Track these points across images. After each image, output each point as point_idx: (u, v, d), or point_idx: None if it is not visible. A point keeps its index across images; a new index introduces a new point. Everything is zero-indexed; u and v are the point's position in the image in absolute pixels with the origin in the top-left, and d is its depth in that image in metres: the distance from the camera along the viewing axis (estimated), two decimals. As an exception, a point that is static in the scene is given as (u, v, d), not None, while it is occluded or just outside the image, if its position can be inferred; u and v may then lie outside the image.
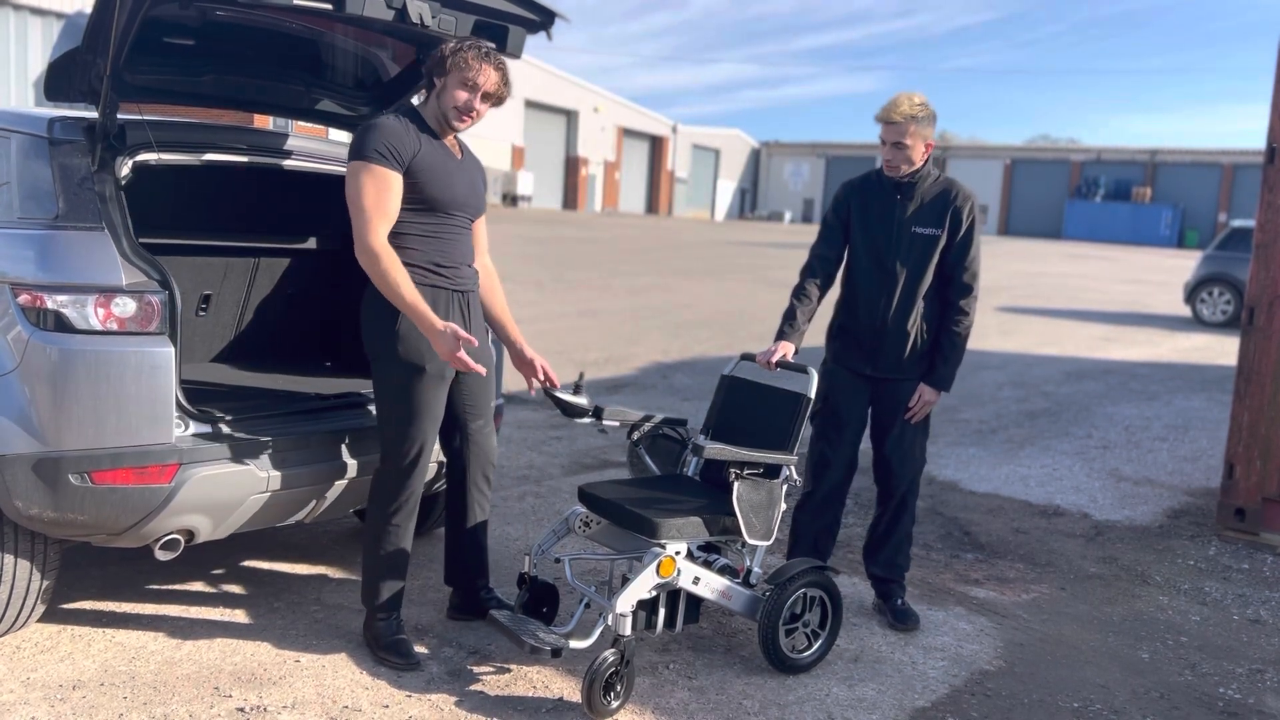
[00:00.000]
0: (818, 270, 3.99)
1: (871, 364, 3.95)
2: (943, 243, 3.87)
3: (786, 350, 3.82)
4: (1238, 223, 16.85)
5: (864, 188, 4.00)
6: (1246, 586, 4.74)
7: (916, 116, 3.75)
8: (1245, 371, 5.30)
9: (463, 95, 3.27)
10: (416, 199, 3.28)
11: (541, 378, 3.59)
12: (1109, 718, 3.39)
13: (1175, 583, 4.74)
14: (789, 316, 3.91)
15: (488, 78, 3.27)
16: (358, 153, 3.22)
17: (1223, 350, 13.13)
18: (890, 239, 3.88)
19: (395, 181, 3.22)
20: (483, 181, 3.56)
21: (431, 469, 3.60)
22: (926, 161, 3.88)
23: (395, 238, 3.25)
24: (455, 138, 3.47)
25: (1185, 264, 26.43)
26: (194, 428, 3.26)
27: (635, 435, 3.82)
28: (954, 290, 3.92)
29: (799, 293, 3.95)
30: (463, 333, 3.13)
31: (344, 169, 4.11)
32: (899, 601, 4.04)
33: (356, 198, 3.19)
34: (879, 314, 3.90)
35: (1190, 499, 6.19)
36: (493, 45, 3.34)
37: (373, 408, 3.77)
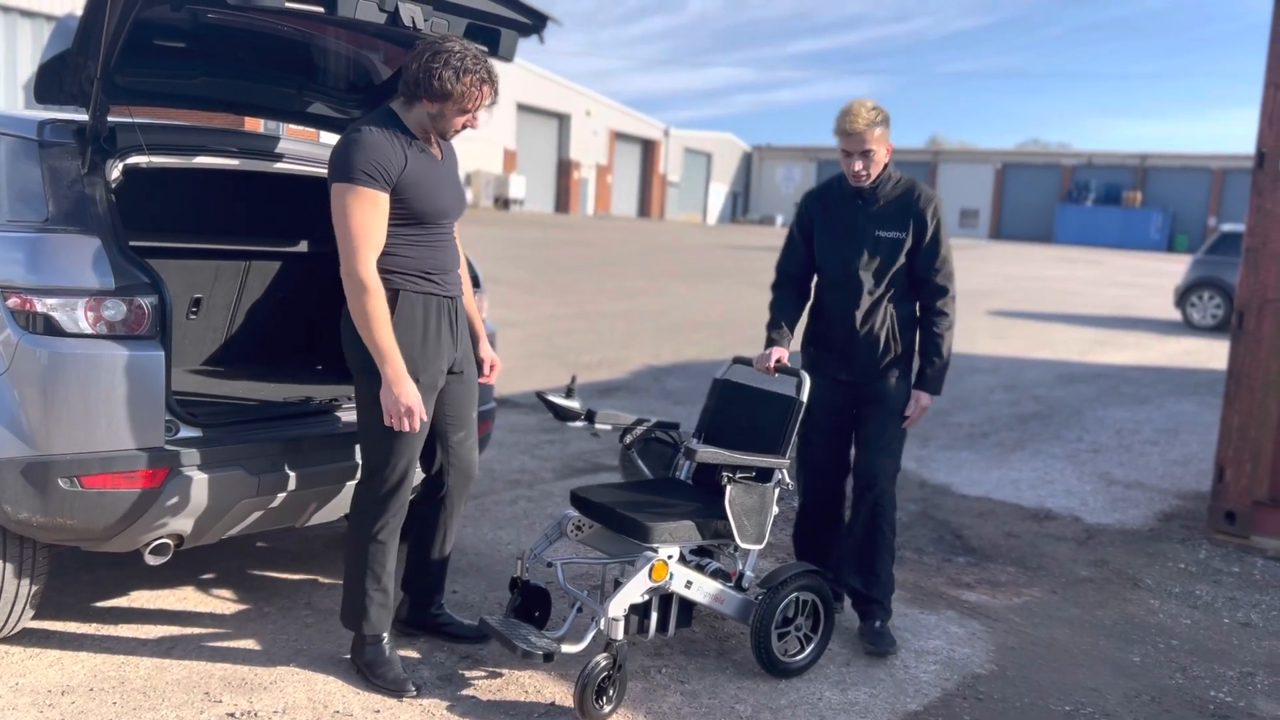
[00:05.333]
0: (787, 285, 4.02)
1: (847, 369, 3.91)
2: (908, 245, 3.83)
3: (782, 355, 3.84)
4: (1227, 227, 16.91)
5: (825, 195, 3.98)
6: (1237, 590, 4.75)
7: (875, 121, 3.72)
8: (1235, 375, 5.32)
9: (461, 120, 3.19)
10: (405, 213, 3.15)
11: (487, 372, 3.65)
12: (1100, 721, 3.40)
13: (1166, 586, 4.75)
14: (774, 325, 3.94)
15: (484, 97, 3.17)
16: (343, 174, 3.04)
17: (1213, 354, 13.17)
18: (855, 244, 3.84)
19: (384, 203, 3.08)
20: (459, 174, 3.42)
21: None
22: (887, 165, 3.85)
23: (384, 249, 3.13)
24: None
25: (1175, 268, 26.52)
26: (184, 432, 3.24)
27: (627, 439, 3.81)
28: (929, 293, 3.88)
29: (775, 305, 4.00)
30: (419, 412, 3.11)
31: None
32: (877, 623, 3.85)
33: (344, 222, 3.04)
34: (849, 320, 3.85)
35: (1181, 502, 6.20)
36: (483, 50, 3.21)
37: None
